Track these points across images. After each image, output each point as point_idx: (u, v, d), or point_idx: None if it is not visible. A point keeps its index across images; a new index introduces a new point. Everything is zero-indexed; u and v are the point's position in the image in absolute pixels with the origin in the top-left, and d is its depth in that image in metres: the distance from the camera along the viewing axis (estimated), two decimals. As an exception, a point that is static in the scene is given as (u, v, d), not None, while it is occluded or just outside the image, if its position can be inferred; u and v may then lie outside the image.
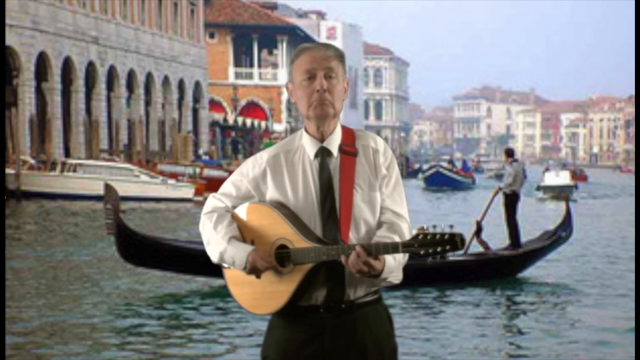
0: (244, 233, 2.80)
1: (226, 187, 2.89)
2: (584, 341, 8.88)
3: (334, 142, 2.79)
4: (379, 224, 2.78)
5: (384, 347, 2.83)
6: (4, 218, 19.90)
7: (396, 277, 2.76)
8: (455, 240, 2.59)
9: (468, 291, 11.74)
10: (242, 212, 2.82)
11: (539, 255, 13.43)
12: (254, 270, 2.73)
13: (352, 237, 2.73)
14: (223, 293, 11.13)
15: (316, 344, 2.77)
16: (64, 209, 27.07)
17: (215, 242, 2.79)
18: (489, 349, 8.51)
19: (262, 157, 2.84)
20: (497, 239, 15.45)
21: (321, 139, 2.80)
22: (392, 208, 2.80)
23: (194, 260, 10.91)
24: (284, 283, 2.74)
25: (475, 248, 13.36)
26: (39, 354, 8.00)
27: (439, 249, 2.60)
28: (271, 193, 2.80)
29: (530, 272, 13.40)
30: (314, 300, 2.76)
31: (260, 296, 2.78)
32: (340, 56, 2.82)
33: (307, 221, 2.75)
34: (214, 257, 2.81)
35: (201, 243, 2.92)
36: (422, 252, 2.61)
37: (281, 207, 2.76)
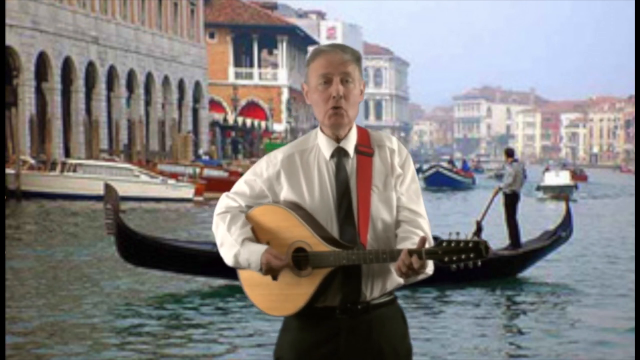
0: (259, 235, 2.75)
1: (240, 186, 2.84)
2: (584, 341, 8.87)
3: (350, 143, 2.77)
4: (397, 223, 2.77)
5: (399, 348, 2.82)
6: (4, 218, 19.90)
7: (430, 268, 2.73)
8: (479, 248, 2.56)
9: (468, 291, 11.73)
10: (257, 213, 2.78)
11: (539, 255, 13.43)
12: (269, 270, 2.69)
13: (370, 238, 2.72)
14: (223, 293, 11.14)
15: (331, 345, 2.75)
16: (64, 209, 27.06)
17: (229, 244, 2.74)
18: (489, 349, 8.50)
19: (276, 157, 2.80)
20: (497, 239, 15.44)
21: (337, 139, 2.77)
22: (409, 206, 2.78)
23: (194, 260, 10.90)
24: (302, 286, 2.71)
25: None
26: (39, 354, 7.99)
27: (463, 257, 2.56)
28: (286, 194, 2.76)
29: (530, 272, 13.40)
30: (330, 302, 2.73)
31: (276, 298, 2.75)
32: (357, 59, 2.77)
33: (324, 222, 2.72)
34: (229, 260, 2.76)
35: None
36: (446, 259, 2.58)
37: (297, 209, 2.73)
